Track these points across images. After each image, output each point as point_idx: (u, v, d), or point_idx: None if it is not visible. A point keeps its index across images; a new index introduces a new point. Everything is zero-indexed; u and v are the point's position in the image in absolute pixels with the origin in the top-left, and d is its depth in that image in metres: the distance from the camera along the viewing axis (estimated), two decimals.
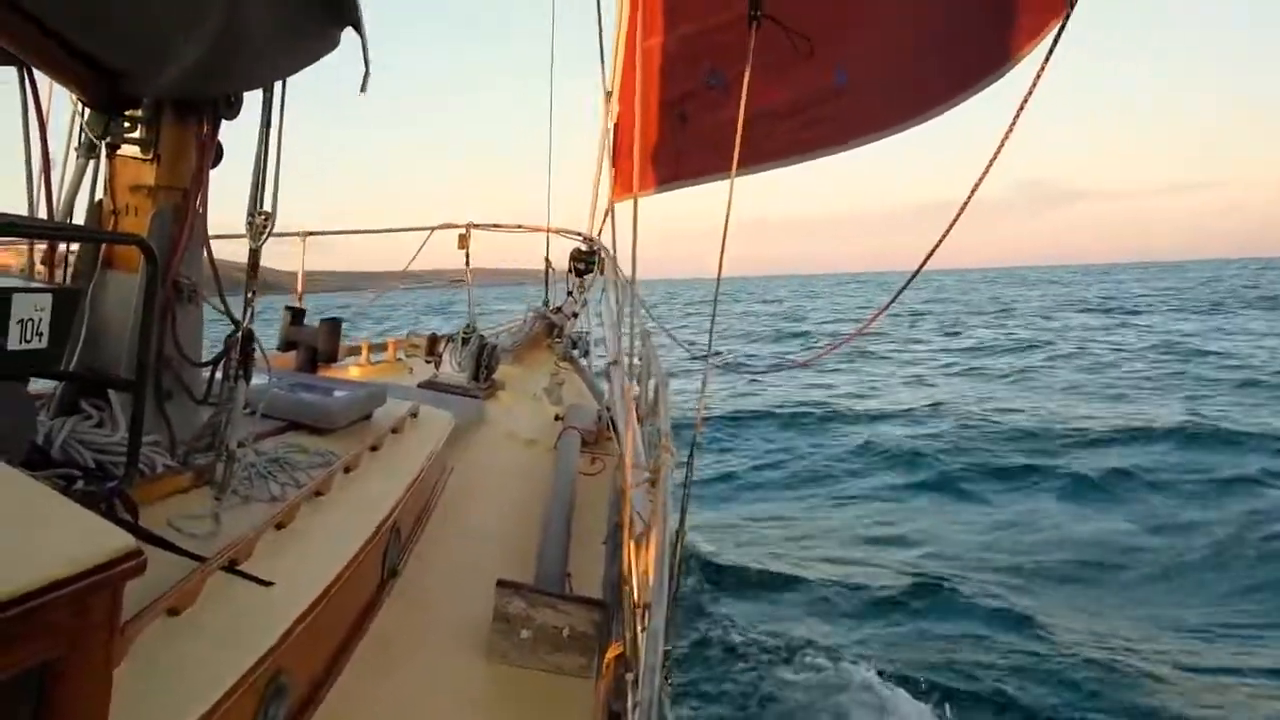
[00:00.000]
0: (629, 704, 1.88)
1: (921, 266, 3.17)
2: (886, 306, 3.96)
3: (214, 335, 2.55)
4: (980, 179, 2.83)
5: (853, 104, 5.07)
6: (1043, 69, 2.67)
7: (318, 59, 2.50)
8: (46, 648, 0.91)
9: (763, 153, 5.25)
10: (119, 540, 1.00)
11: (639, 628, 1.96)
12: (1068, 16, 2.73)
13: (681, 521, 2.60)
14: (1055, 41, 2.67)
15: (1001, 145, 2.76)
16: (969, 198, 2.89)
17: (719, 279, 2.97)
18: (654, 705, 1.48)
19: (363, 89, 2.55)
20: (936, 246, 3.04)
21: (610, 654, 2.18)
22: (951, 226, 2.95)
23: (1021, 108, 2.67)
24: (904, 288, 3.61)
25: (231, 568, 1.83)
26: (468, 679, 2.40)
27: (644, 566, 2.04)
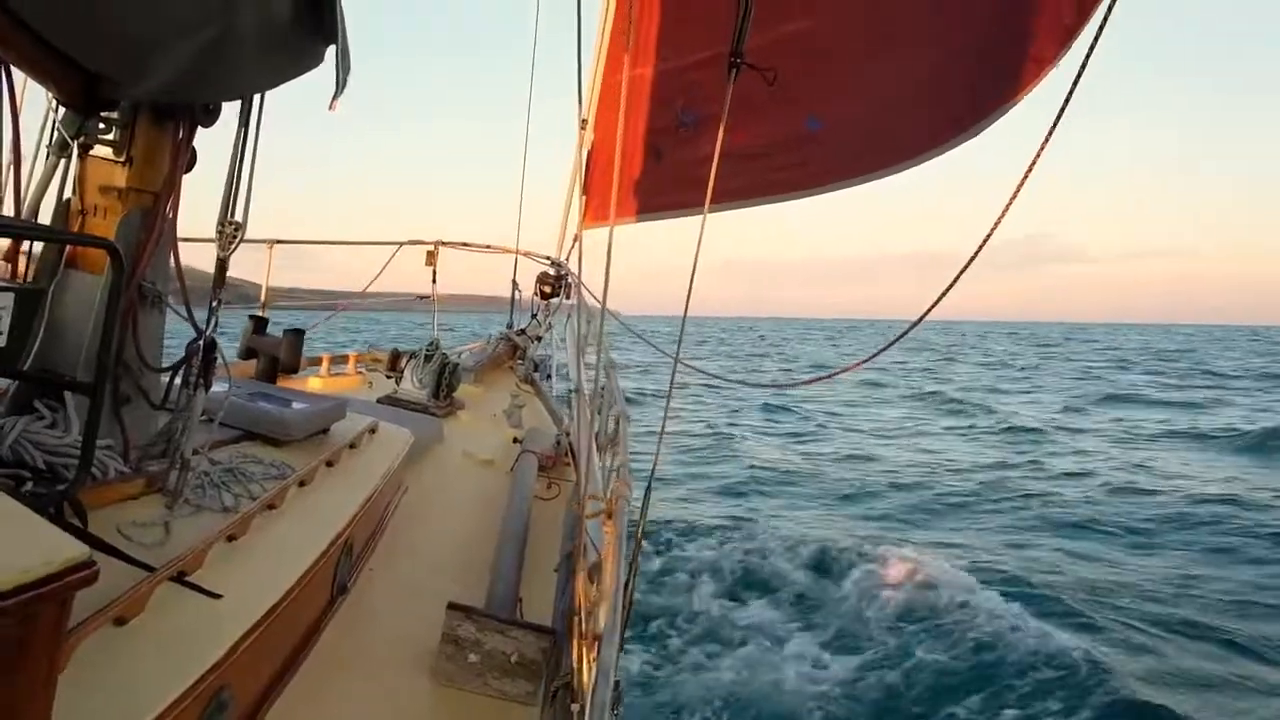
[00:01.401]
0: None
1: (927, 312, 3.18)
2: (886, 347, 4.01)
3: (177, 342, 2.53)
4: (992, 230, 2.84)
5: (824, 150, 5.16)
6: (1060, 115, 2.66)
7: (301, 74, 2.51)
8: None
9: (732, 191, 5.33)
10: (72, 550, 0.99)
11: (588, 658, 1.96)
12: (1089, 52, 2.71)
13: (635, 555, 2.61)
14: (1076, 82, 2.66)
15: (1013, 198, 2.77)
16: (980, 247, 2.90)
17: (689, 292, 3.00)
18: None
19: (331, 106, 2.55)
20: (946, 291, 3.04)
21: (557, 683, 2.18)
22: (962, 272, 2.96)
23: (1033, 164, 2.68)
24: (906, 332, 3.66)
25: (180, 578, 1.81)
26: (413, 701, 2.38)
27: (596, 598, 2.05)
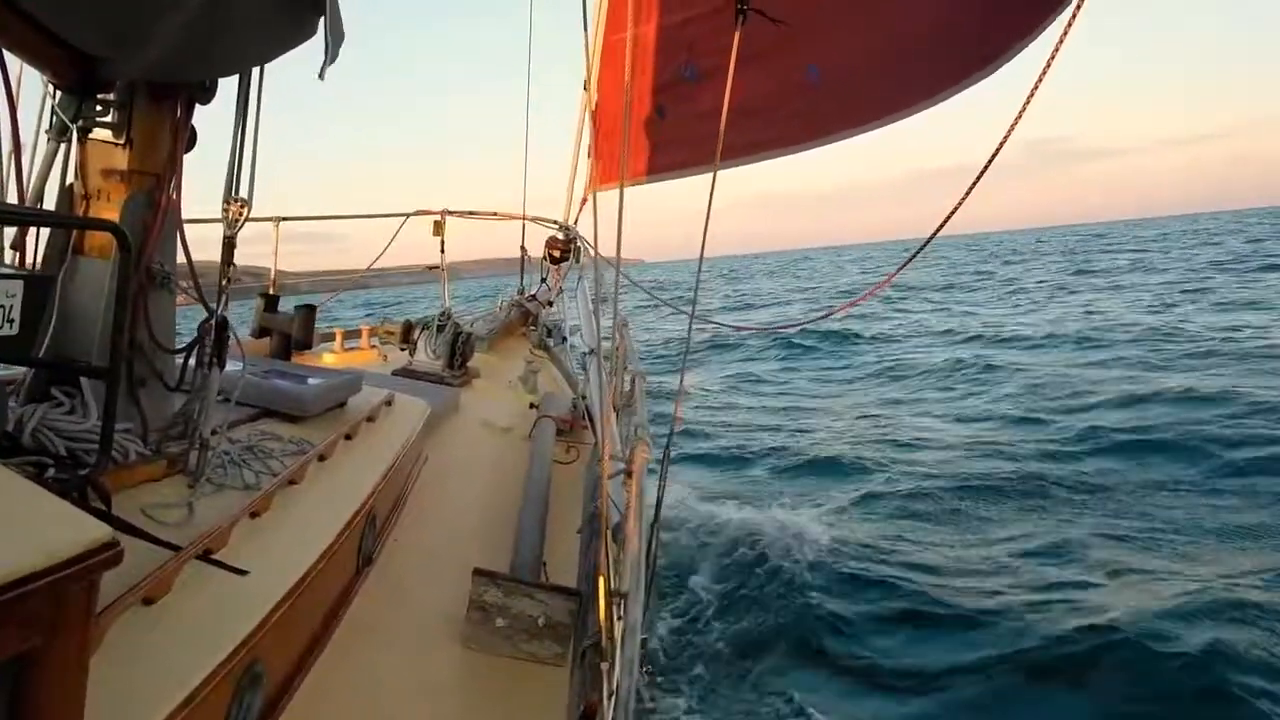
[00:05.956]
0: (604, 693, 1.90)
1: (935, 233, 3.17)
2: (897, 272, 3.98)
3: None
4: (997, 150, 2.81)
5: (827, 99, 5.08)
6: (1058, 47, 2.63)
7: (295, 45, 2.48)
8: (22, 639, 0.90)
9: (736, 148, 5.25)
10: (96, 531, 0.99)
11: (615, 618, 1.97)
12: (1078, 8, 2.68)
13: (656, 514, 2.61)
14: (1072, 19, 2.63)
15: (1016, 121, 2.74)
16: (986, 166, 2.87)
17: (704, 241, 2.97)
18: (632, 696, 1.50)
19: (320, 75, 2.51)
20: (952, 213, 3.02)
21: (586, 643, 2.20)
22: (969, 193, 2.93)
23: (1033, 91, 2.65)
24: (916, 254, 3.62)
25: (206, 556, 1.82)
26: (443, 667, 2.40)
27: (620, 558, 2.06)
